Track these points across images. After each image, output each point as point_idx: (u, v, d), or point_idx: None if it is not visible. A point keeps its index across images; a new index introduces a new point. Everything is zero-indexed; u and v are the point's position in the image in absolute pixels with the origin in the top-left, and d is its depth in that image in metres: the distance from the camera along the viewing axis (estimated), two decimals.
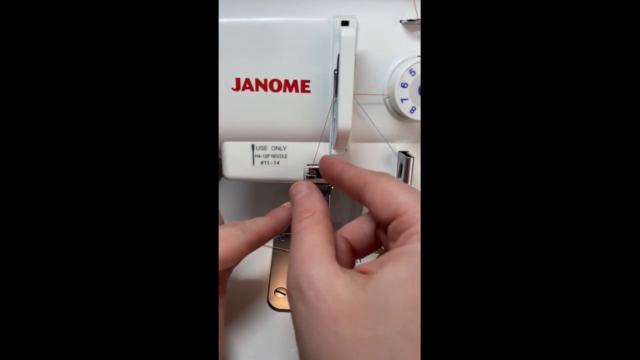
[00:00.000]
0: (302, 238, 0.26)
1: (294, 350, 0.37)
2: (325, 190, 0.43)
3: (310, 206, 0.30)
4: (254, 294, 0.45)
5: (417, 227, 0.23)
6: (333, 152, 0.38)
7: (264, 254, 0.51)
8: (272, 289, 0.45)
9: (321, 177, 0.40)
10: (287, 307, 0.43)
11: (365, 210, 0.47)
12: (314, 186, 0.32)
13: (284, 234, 0.54)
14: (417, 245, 0.22)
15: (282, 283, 0.46)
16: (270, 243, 0.53)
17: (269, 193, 0.61)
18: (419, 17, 0.34)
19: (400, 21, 0.34)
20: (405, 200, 0.24)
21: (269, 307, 0.43)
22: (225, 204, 0.58)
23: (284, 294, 0.44)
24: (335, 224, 0.58)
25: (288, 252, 0.51)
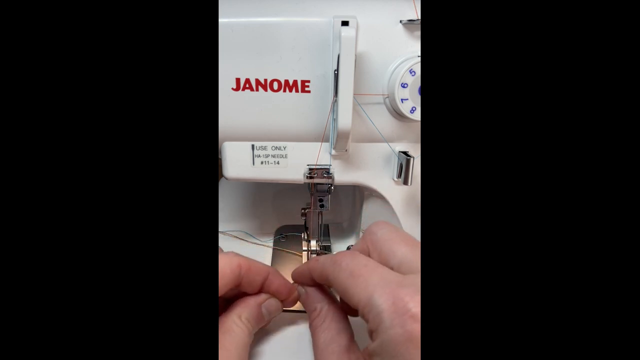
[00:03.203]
0: (315, 338, 0.29)
1: (293, 351, 0.37)
2: (325, 191, 0.43)
3: (314, 305, 0.31)
4: None
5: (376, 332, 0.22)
6: (333, 152, 0.38)
7: (265, 253, 0.51)
8: None
9: (320, 177, 0.40)
10: (287, 308, 0.43)
11: (364, 210, 0.47)
12: (309, 288, 0.33)
13: (283, 234, 0.54)
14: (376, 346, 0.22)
15: None
16: (271, 243, 0.53)
17: (269, 193, 0.61)
18: (419, 17, 0.34)
19: (400, 21, 0.34)
20: (361, 300, 0.23)
21: None
22: (225, 203, 0.58)
23: None
24: (336, 224, 0.58)
25: (288, 251, 0.51)
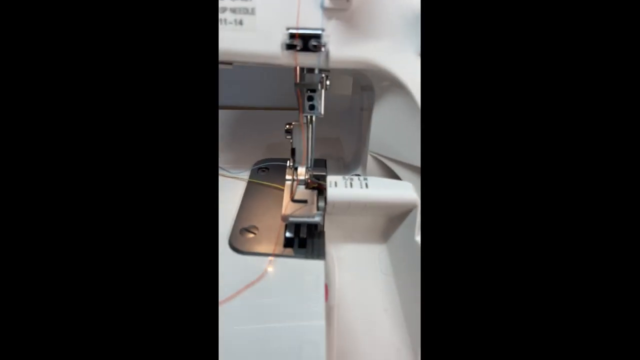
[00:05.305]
0: None
1: (258, 301, 0.24)
2: (317, 82, 0.29)
3: None
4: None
5: None
6: (327, 3, 0.24)
7: (236, 187, 0.38)
8: (238, 228, 0.32)
9: (308, 49, 0.26)
10: (254, 250, 0.30)
11: (374, 116, 0.33)
12: None
13: (262, 165, 0.41)
14: None
15: (251, 220, 0.33)
16: (247, 175, 0.39)
17: (250, 122, 0.48)
18: None
19: None
20: None
21: (231, 250, 0.30)
22: None
23: (255, 234, 0.31)
24: (336, 159, 0.44)
25: (266, 184, 0.37)
